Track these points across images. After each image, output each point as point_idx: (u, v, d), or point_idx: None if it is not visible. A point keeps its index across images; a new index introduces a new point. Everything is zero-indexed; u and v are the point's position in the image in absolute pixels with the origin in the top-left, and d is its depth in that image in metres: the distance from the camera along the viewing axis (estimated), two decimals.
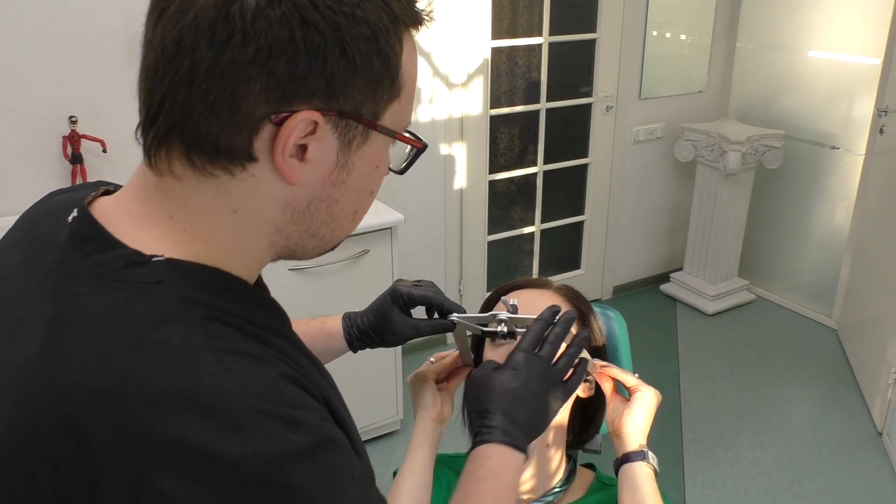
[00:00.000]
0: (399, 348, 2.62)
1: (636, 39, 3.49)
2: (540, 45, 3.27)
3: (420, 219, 3.12)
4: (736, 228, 3.69)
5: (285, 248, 0.63)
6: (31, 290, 0.58)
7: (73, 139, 2.34)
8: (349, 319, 1.02)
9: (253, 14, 0.51)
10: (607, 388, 1.01)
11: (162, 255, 0.56)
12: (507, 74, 3.30)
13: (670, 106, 3.72)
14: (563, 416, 1.05)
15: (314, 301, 2.33)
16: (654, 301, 3.90)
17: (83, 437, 0.49)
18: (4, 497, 0.53)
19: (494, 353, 1.01)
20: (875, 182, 3.19)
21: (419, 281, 1.01)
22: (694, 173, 3.73)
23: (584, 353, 0.93)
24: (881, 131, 3.05)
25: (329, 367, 0.71)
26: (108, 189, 0.65)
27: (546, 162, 3.49)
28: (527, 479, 1.04)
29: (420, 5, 0.60)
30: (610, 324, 1.19)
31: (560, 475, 1.06)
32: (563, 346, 0.88)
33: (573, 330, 0.91)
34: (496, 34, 3.12)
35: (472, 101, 3.12)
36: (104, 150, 2.37)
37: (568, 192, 3.67)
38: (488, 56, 3.11)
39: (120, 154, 2.39)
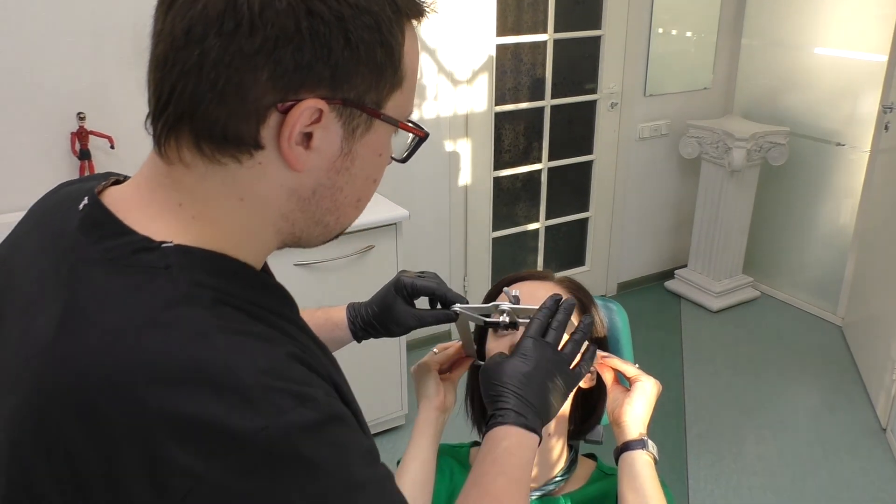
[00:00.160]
0: (403, 344, 2.64)
1: (641, 36, 3.49)
2: (545, 42, 3.28)
3: (425, 215, 3.13)
4: (741, 225, 3.69)
5: (291, 235, 0.64)
6: (44, 276, 0.60)
7: (81, 135, 2.36)
8: (353, 310, 1.03)
9: (260, 4, 0.53)
10: (608, 378, 1.03)
11: (171, 241, 0.58)
12: (512, 71, 3.31)
13: (675, 103, 3.72)
14: (564, 406, 1.06)
15: (320, 296, 2.35)
16: (659, 298, 3.90)
17: (98, 416, 0.51)
18: (23, 478, 0.54)
19: (497, 344, 1.02)
20: (880, 179, 3.19)
21: (422, 272, 1.03)
22: (699, 170, 3.74)
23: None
24: (886, 128, 3.06)
25: None
26: (118, 179, 0.67)
27: (551, 158, 3.50)
28: None
29: None
30: (612, 316, 1.20)
31: (561, 464, 1.08)
32: (567, 334, 0.89)
33: (574, 320, 0.92)
34: (501, 31, 3.14)
35: (477, 98, 3.14)
36: (112, 146, 2.40)
37: (573, 188, 3.68)
38: (493, 53, 3.12)
39: (127, 150, 2.41)
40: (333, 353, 0.70)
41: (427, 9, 0.62)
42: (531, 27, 3.27)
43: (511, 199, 3.55)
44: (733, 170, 3.48)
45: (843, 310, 3.55)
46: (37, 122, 2.34)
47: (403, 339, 2.62)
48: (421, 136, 0.66)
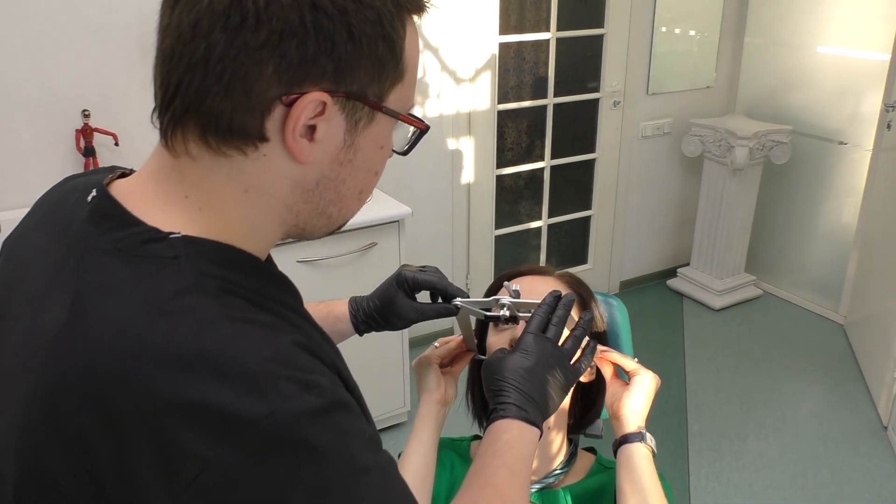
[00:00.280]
0: (406, 341, 2.65)
1: (644, 35, 3.50)
2: (548, 41, 3.28)
3: (428, 212, 3.14)
4: (743, 224, 3.70)
5: (295, 227, 0.65)
6: (54, 266, 0.61)
7: (85, 132, 2.38)
8: (355, 303, 1.04)
9: None
10: (607, 372, 1.04)
11: (179, 232, 0.59)
12: (515, 70, 3.32)
13: (678, 101, 3.73)
14: (564, 400, 1.07)
15: (323, 292, 2.34)
16: (661, 296, 3.91)
17: (108, 402, 0.52)
18: (34, 464, 0.55)
19: (497, 338, 1.03)
20: (882, 177, 3.19)
21: (424, 266, 1.04)
22: (701, 168, 3.74)
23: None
24: (889, 126, 3.06)
25: None
26: (124, 172, 0.68)
27: (553, 157, 3.51)
28: None
29: None
30: (612, 311, 1.21)
31: (561, 458, 1.09)
32: (567, 330, 0.90)
33: (574, 315, 0.93)
34: (504, 29, 3.14)
35: (480, 96, 3.14)
36: (116, 144, 2.41)
37: (575, 186, 3.69)
38: (496, 51, 3.13)
39: (131, 147, 2.42)
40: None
41: (427, 4, 0.63)
42: (534, 25, 3.27)
43: (514, 197, 3.56)
44: (736, 168, 3.49)
45: (846, 308, 3.55)
46: (42, 119, 2.35)
47: (406, 336, 2.64)
48: (422, 129, 0.67)
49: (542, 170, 3.52)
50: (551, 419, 1.05)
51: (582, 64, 3.49)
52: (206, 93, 0.56)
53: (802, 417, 2.94)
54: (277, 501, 0.51)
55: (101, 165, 2.44)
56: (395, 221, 2.50)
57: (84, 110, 2.37)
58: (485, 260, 3.43)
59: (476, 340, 1.09)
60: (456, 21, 2.98)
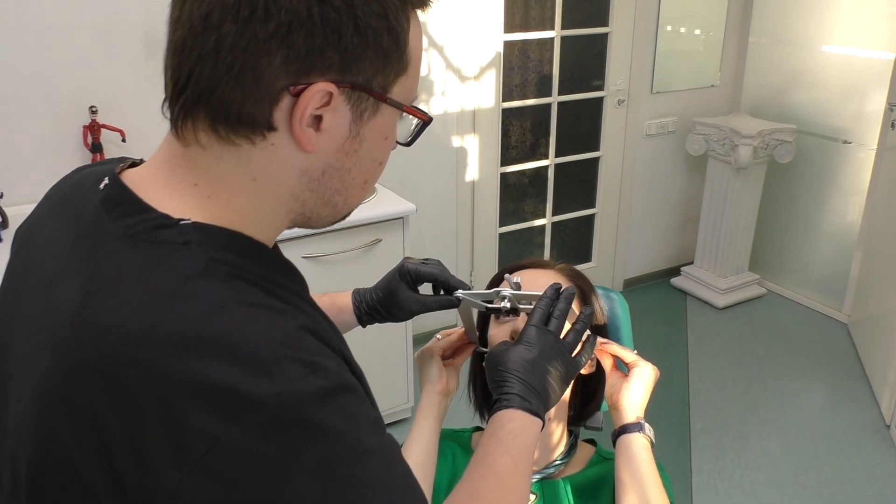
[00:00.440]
0: (410, 337, 2.66)
1: (648, 33, 3.50)
2: (552, 39, 3.29)
3: (432, 210, 3.16)
4: (747, 222, 3.70)
5: (301, 215, 0.67)
6: (67, 251, 0.63)
7: (93, 129, 2.40)
8: (358, 295, 1.06)
9: None
10: (607, 363, 1.05)
11: (189, 219, 0.61)
12: (520, 68, 3.33)
13: (682, 100, 3.73)
14: (565, 392, 1.08)
15: (327, 288, 2.33)
16: (665, 294, 3.92)
17: (121, 380, 0.53)
18: (49, 441, 0.57)
19: (498, 330, 1.05)
20: (886, 176, 3.19)
21: (426, 259, 1.05)
22: (705, 167, 3.75)
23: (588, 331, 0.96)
24: (893, 126, 3.06)
25: None
26: (134, 162, 0.69)
27: (557, 155, 3.52)
28: None
29: None
30: (612, 305, 1.22)
31: (561, 449, 1.10)
32: (569, 323, 0.92)
33: (575, 308, 0.95)
34: (508, 28, 3.16)
35: (485, 94, 3.16)
36: (123, 140, 2.43)
37: (579, 185, 3.70)
38: (501, 49, 3.14)
39: (139, 143, 2.44)
40: None
41: None
42: (538, 24, 3.28)
43: (518, 195, 3.57)
44: (740, 167, 3.49)
45: (849, 307, 3.55)
46: (50, 115, 2.38)
47: (409, 332, 2.65)
48: (425, 121, 0.68)
49: (546, 168, 3.53)
50: (552, 410, 1.06)
51: (586, 62, 3.49)
52: (216, 83, 0.58)
53: (805, 416, 2.94)
54: (283, 480, 0.53)
55: None
56: (399, 218, 2.51)
57: (91, 107, 2.39)
58: (489, 257, 3.44)
59: (478, 333, 1.11)
60: (461, 19, 2.99)
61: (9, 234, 2.17)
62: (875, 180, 3.32)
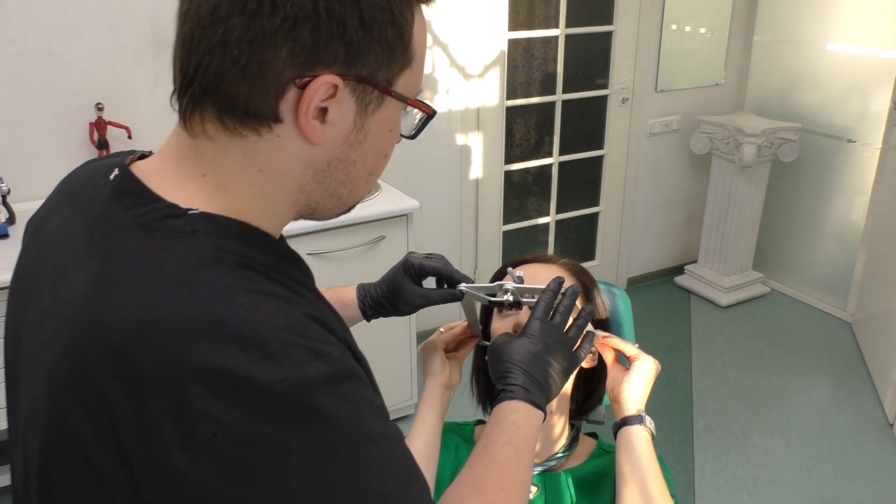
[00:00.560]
0: (413, 333, 2.67)
1: (653, 32, 3.51)
2: (556, 37, 3.30)
3: (436, 207, 3.17)
4: (751, 221, 3.70)
5: (306, 207, 0.68)
6: (78, 240, 0.64)
7: (99, 125, 2.41)
8: (363, 289, 1.07)
9: None
10: (608, 357, 1.06)
11: (197, 209, 0.62)
12: (524, 66, 3.33)
13: (686, 98, 3.74)
14: (566, 385, 1.09)
15: (332, 284, 2.37)
16: (669, 293, 3.92)
17: (130, 365, 0.54)
18: (60, 424, 0.58)
19: (501, 324, 1.06)
20: (891, 176, 3.18)
21: (430, 254, 1.06)
22: (709, 166, 3.75)
23: (589, 326, 0.97)
24: None
25: None
26: (143, 154, 0.71)
27: (562, 153, 3.52)
28: None
29: None
30: (614, 300, 1.23)
31: (563, 441, 1.11)
32: (571, 319, 0.93)
33: (578, 303, 0.96)
34: (513, 26, 3.16)
35: (489, 92, 3.16)
36: (129, 137, 2.45)
37: (583, 183, 3.70)
38: (505, 47, 3.15)
39: (144, 140, 2.46)
40: None
41: None
42: (543, 22, 3.29)
43: (522, 193, 3.58)
44: (744, 166, 3.49)
45: (853, 306, 3.55)
46: (56, 112, 2.39)
47: (413, 329, 2.66)
48: (429, 114, 0.69)
49: (550, 166, 3.53)
50: (553, 403, 1.08)
51: (591, 60, 3.50)
52: (223, 75, 0.59)
53: (808, 414, 2.95)
54: (287, 464, 0.54)
55: None
56: (403, 215, 2.52)
57: (98, 103, 2.40)
58: (493, 255, 3.45)
59: (481, 327, 1.12)
60: (465, 17, 3.00)
61: (14, 230, 2.18)
62: (879, 179, 3.31)
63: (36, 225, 0.75)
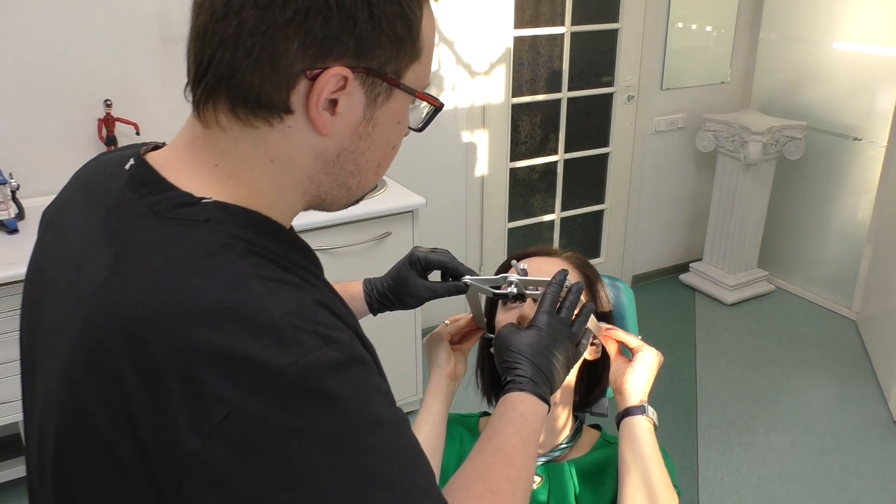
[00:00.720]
0: (419, 330, 2.69)
1: (658, 30, 3.51)
2: (562, 35, 3.31)
3: (442, 204, 3.18)
4: (756, 219, 3.70)
5: (316, 197, 0.70)
6: (94, 229, 0.66)
7: (107, 122, 2.43)
8: (369, 283, 1.09)
9: None
10: (612, 349, 1.07)
11: (210, 198, 0.63)
12: (530, 63, 3.34)
13: (692, 96, 3.74)
14: (570, 377, 1.11)
15: (338, 280, 2.40)
16: (674, 290, 3.92)
17: (145, 348, 0.56)
18: (75, 406, 0.60)
19: (505, 316, 1.07)
20: None
21: (435, 248, 1.07)
22: (715, 164, 3.75)
23: (590, 321, 0.98)
24: None
25: None
26: (157, 145, 0.72)
27: (567, 151, 3.53)
28: None
29: None
30: (618, 294, 1.24)
31: (567, 432, 1.12)
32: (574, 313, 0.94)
33: (583, 298, 0.97)
34: (519, 23, 3.17)
35: (495, 90, 3.17)
36: (137, 133, 2.47)
37: (588, 180, 3.71)
38: (511, 45, 3.16)
39: (152, 136, 2.47)
40: None
41: None
42: (549, 19, 3.30)
43: (527, 191, 3.59)
44: (749, 163, 3.50)
45: (858, 304, 3.55)
46: (65, 109, 2.41)
47: (418, 325, 2.68)
48: (437, 107, 0.71)
49: (555, 163, 3.54)
50: (557, 395, 1.09)
51: (596, 58, 3.51)
52: (236, 67, 0.61)
53: (813, 412, 2.95)
54: (296, 446, 0.55)
55: None
56: (409, 211, 2.54)
57: (106, 100, 2.42)
58: (498, 252, 3.46)
59: (485, 319, 1.13)
60: (471, 14, 3.01)
61: (24, 226, 2.20)
62: (885, 177, 3.31)
63: (51, 214, 0.77)
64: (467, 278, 1.03)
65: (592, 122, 3.60)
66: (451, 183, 3.22)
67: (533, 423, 0.83)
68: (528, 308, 1.03)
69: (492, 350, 0.99)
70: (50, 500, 0.66)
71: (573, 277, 1.09)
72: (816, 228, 3.73)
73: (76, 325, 0.61)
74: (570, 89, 3.41)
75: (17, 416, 2.13)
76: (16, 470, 2.34)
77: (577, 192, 3.67)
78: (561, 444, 1.11)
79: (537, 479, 1.08)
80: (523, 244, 3.60)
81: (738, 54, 3.80)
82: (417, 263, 1.05)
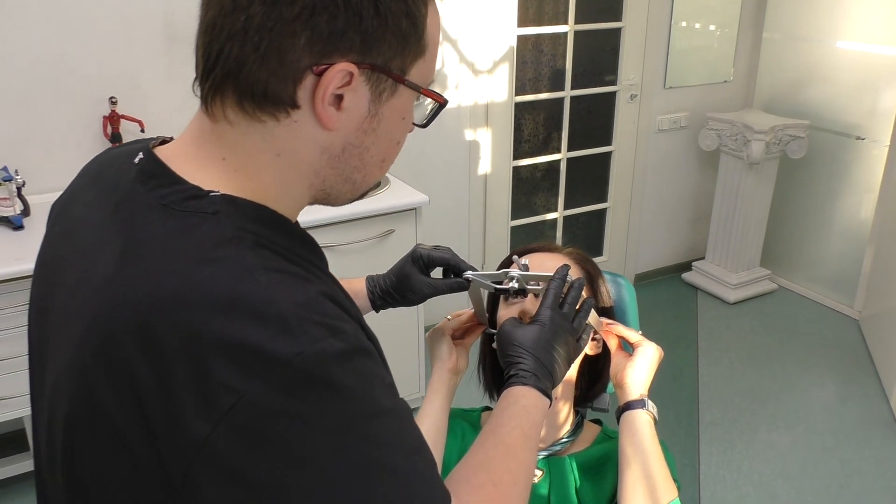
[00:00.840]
0: (421, 327, 2.70)
1: (662, 29, 3.52)
2: (565, 33, 3.31)
3: (445, 202, 3.19)
4: (759, 218, 3.70)
5: (321, 192, 0.71)
6: (103, 221, 0.67)
7: (112, 119, 2.45)
8: (372, 280, 1.10)
9: None
10: (612, 344, 1.08)
11: (218, 191, 0.64)
12: (533, 62, 3.35)
13: (695, 95, 3.74)
14: (571, 371, 1.12)
15: (341, 277, 2.41)
16: (676, 289, 3.93)
17: (154, 338, 0.57)
18: (85, 394, 0.61)
19: (507, 311, 1.08)
20: None
21: (437, 246, 1.09)
22: (717, 163, 3.76)
23: (590, 317, 0.99)
24: None
25: None
26: (165, 139, 0.73)
27: (570, 149, 3.54)
28: None
29: None
30: (619, 290, 1.25)
31: (568, 427, 1.13)
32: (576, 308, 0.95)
33: (584, 294, 0.98)
34: (522, 22, 3.18)
35: (498, 88, 3.18)
36: (142, 130, 2.48)
37: (591, 179, 3.72)
38: (514, 43, 3.16)
39: (157, 133, 2.45)
40: None
41: None
42: (552, 18, 3.30)
43: (530, 189, 3.60)
44: (752, 162, 3.50)
45: (861, 303, 3.55)
46: (70, 106, 2.43)
47: (421, 323, 2.69)
48: (441, 103, 0.72)
49: (558, 162, 3.55)
50: (558, 389, 1.10)
51: (599, 57, 3.51)
52: (244, 61, 0.62)
53: (814, 410, 2.95)
54: (301, 434, 0.56)
55: None
56: (412, 209, 2.55)
57: (111, 97, 2.44)
58: (500, 250, 3.47)
59: (487, 314, 1.14)
60: (475, 13, 3.02)
61: (29, 222, 2.22)
62: (888, 177, 3.31)
63: (60, 208, 0.78)
64: (469, 273, 1.04)
65: (595, 120, 3.60)
66: (454, 181, 3.22)
67: (535, 417, 0.84)
68: (530, 303, 1.04)
69: (494, 345, 1.00)
70: (61, 489, 0.67)
71: (574, 273, 1.09)
72: (819, 227, 3.73)
73: (86, 316, 0.62)
74: (573, 88, 3.42)
75: (23, 411, 2.15)
76: (22, 465, 2.36)
77: (580, 191, 3.68)
78: (562, 438, 1.12)
79: (538, 473, 1.09)
80: (526, 242, 3.56)
81: (742, 53, 3.80)
82: (420, 260, 1.06)
